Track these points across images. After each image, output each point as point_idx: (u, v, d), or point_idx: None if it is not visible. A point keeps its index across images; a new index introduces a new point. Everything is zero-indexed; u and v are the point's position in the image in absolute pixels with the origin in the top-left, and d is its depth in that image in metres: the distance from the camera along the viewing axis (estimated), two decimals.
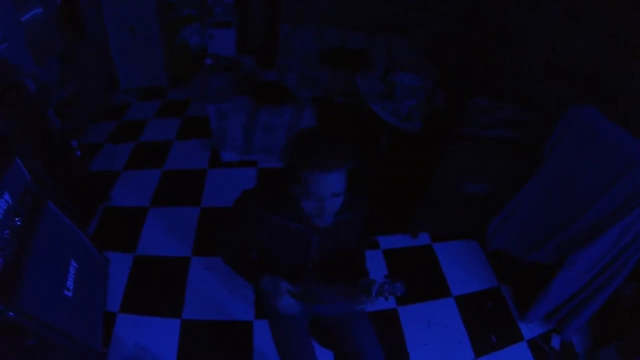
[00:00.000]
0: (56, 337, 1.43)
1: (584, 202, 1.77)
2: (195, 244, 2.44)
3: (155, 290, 2.17)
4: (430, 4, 3.40)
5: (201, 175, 3.00)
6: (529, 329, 2.10)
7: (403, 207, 2.64)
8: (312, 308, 1.44)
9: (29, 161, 1.61)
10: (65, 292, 1.61)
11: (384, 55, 3.50)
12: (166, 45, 3.77)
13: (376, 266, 2.39)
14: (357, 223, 1.30)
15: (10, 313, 1.23)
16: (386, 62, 3.27)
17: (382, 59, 3.43)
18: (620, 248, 1.61)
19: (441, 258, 2.51)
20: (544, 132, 1.94)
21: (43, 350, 1.46)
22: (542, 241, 1.99)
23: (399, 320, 2.12)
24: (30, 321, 1.31)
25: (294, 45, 3.58)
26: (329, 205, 1.04)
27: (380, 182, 2.78)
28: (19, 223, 1.46)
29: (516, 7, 2.44)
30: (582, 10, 2.07)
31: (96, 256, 2.07)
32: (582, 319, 1.90)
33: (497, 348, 2.00)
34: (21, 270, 1.36)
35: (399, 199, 2.75)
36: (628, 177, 1.56)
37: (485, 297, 2.28)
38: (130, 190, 2.81)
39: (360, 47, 3.59)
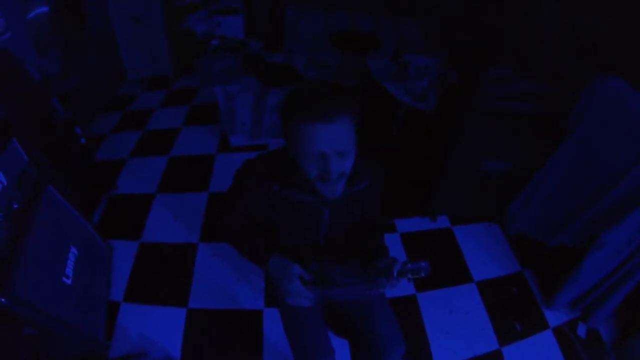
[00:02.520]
0: (54, 326, 1.37)
1: (612, 178, 1.62)
2: (202, 230, 2.36)
3: (160, 278, 2.10)
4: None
5: (209, 160, 2.92)
6: (554, 317, 1.97)
7: (421, 189, 2.51)
8: (327, 293, 1.33)
9: (30, 146, 1.55)
10: (64, 279, 1.55)
11: (394, 37, 3.37)
12: (171, 34, 3.69)
13: (394, 250, 2.20)
14: (374, 194, 1.16)
15: (3, 299, 1.16)
16: (396, 44, 3.14)
17: (391, 41, 3.30)
18: None
19: (461, 242, 2.38)
20: (564, 105, 1.78)
21: (43, 341, 1.40)
22: (567, 222, 1.84)
23: (418, 307, 2.01)
24: (25, 308, 1.24)
25: (301, 29, 3.48)
26: (335, 167, 0.89)
27: (397, 163, 2.66)
28: (15, 206, 1.39)
29: None
30: None
31: (99, 244, 2.00)
32: (610, 307, 1.77)
33: (522, 336, 1.88)
34: (16, 255, 1.29)
35: (416, 180, 2.63)
36: None
37: (508, 282, 2.15)
38: (136, 177, 2.75)
39: (369, 30, 3.46)
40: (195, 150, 3.04)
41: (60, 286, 1.50)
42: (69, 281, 1.56)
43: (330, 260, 1.18)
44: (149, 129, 3.31)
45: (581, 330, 1.90)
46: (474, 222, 2.50)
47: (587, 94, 1.70)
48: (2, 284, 1.17)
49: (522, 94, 1.83)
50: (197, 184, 2.69)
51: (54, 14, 2.46)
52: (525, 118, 1.88)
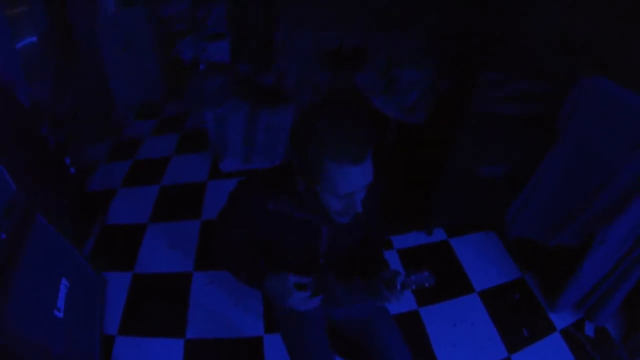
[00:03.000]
0: None
1: (606, 175, 1.64)
2: (197, 259, 2.31)
3: (156, 309, 2.03)
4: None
5: (201, 188, 2.90)
6: (560, 319, 1.95)
7: (415, 203, 2.51)
8: (329, 311, 1.30)
9: (18, 175, 1.51)
10: (56, 312, 1.48)
11: (383, 52, 3.45)
12: (160, 61, 3.74)
13: (392, 267, 2.25)
14: (374, 209, 1.15)
15: None
16: (386, 59, 3.21)
17: (381, 55, 3.38)
18: None
19: (459, 253, 2.37)
20: (558, 105, 1.84)
21: None
22: (566, 222, 1.85)
23: (422, 322, 1.97)
24: (15, 342, 1.18)
25: (290, 49, 3.54)
26: (359, 199, 0.91)
27: (390, 178, 2.67)
28: (3, 236, 1.35)
29: None
30: None
31: (92, 276, 1.94)
32: (614, 303, 1.76)
33: (529, 342, 1.85)
34: (5, 287, 1.24)
35: (410, 195, 2.63)
36: None
37: (511, 289, 2.13)
38: (127, 207, 2.71)
39: (358, 47, 3.54)
40: (186, 178, 3.01)
41: (51, 319, 1.44)
42: (60, 314, 1.50)
43: (330, 276, 1.15)
44: (139, 158, 3.29)
45: (589, 330, 1.89)
46: (470, 232, 2.49)
47: (574, 95, 1.75)
48: None
49: (516, 96, 1.87)
50: (190, 212, 2.65)
51: (44, 42, 2.48)
52: (521, 120, 1.91)
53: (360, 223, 1.15)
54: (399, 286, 0.97)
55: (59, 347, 1.39)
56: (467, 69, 2.13)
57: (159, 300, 2.08)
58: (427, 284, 0.95)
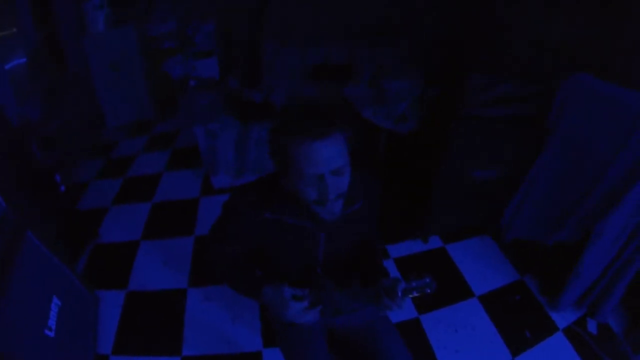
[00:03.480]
0: None
1: (599, 169, 1.67)
2: (191, 275, 2.26)
3: (150, 327, 1.97)
4: (416, 12, 3.44)
5: (193, 205, 2.86)
6: (562, 318, 1.94)
7: (410, 212, 2.51)
8: (329, 321, 1.27)
9: (8, 192, 1.49)
10: (47, 331, 1.43)
11: (370, 65, 3.51)
12: (150, 78, 3.75)
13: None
14: (370, 214, 1.15)
15: None
16: (373, 71, 3.27)
17: (368, 69, 3.44)
18: None
19: (456, 259, 2.36)
20: (545, 105, 1.88)
21: None
22: (562, 219, 1.86)
23: (422, 330, 1.94)
24: None
25: (278, 66, 3.58)
26: (332, 186, 0.88)
27: (383, 188, 2.68)
28: None
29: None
30: None
31: (84, 294, 1.88)
32: (615, 297, 1.76)
33: (533, 343, 1.83)
34: None
35: (404, 203, 2.64)
36: (639, 132, 1.47)
37: (510, 291, 2.12)
38: (119, 225, 2.66)
39: (344, 61, 3.61)
40: (178, 195, 2.98)
41: (42, 339, 1.39)
42: (51, 333, 1.45)
43: (329, 286, 1.13)
44: (130, 176, 3.25)
45: (591, 326, 1.88)
46: (466, 238, 2.49)
47: (562, 92, 1.79)
48: None
49: (503, 98, 1.91)
50: (182, 229, 2.62)
51: (33, 62, 2.48)
52: (511, 122, 1.94)
53: (358, 231, 1.15)
54: (400, 293, 0.95)
55: None
56: (455, 74, 2.18)
57: (153, 318, 2.02)
58: (428, 290, 0.93)
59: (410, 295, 0.95)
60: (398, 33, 3.43)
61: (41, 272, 1.57)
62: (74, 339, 1.61)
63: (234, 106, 2.96)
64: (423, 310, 2.03)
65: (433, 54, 3.03)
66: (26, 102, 2.27)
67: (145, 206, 2.85)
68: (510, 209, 2.18)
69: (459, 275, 2.25)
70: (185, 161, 3.38)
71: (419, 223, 2.45)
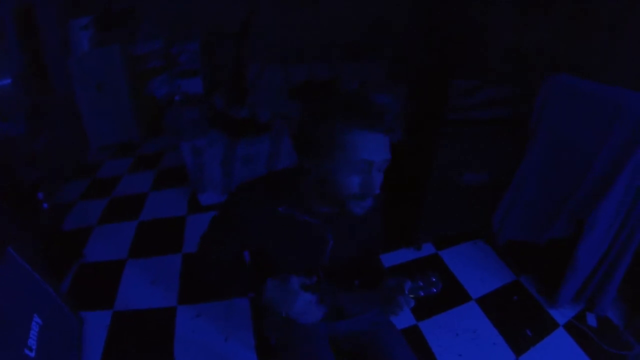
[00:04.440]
0: None
1: (585, 162, 1.71)
2: (180, 292, 2.17)
3: (138, 347, 1.85)
4: (390, 29, 3.57)
5: (180, 222, 2.79)
6: (561, 314, 1.94)
7: (402, 220, 2.51)
8: (330, 327, 1.22)
9: None
10: (27, 351, 1.34)
11: (351, 82, 3.59)
12: (135, 99, 3.72)
13: None
14: (374, 215, 1.11)
15: None
16: (356, 87, 3.34)
17: (349, 85, 3.52)
18: (632, 195, 1.54)
19: (450, 264, 2.35)
20: (527, 107, 1.94)
21: None
22: (554, 216, 1.88)
23: (423, 337, 1.89)
24: None
25: (263, 84, 3.62)
26: (377, 178, 0.86)
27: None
28: None
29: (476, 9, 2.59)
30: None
31: (68, 314, 1.77)
32: (612, 289, 1.77)
33: (535, 341, 1.81)
34: None
35: (397, 211, 2.63)
36: (619, 122, 1.53)
37: (507, 292, 2.11)
38: (105, 244, 2.55)
39: (327, 78, 3.68)
40: (165, 214, 2.90)
41: (22, 358, 1.28)
42: (32, 354, 1.35)
43: (332, 288, 1.08)
44: (116, 195, 3.17)
45: (591, 320, 1.88)
46: (459, 243, 2.49)
47: (542, 93, 1.85)
48: None
49: (487, 101, 1.97)
50: (170, 247, 2.53)
51: (18, 82, 2.44)
52: (496, 125, 2.00)
53: (365, 230, 1.11)
54: (406, 292, 0.92)
55: None
56: (438, 81, 2.23)
57: (142, 338, 1.91)
58: (434, 290, 0.91)
59: (417, 295, 0.92)
60: (380, 49, 3.55)
61: (22, 289, 1.48)
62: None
63: (219, 122, 2.96)
64: (421, 317, 1.99)
65: (416, 66, 3.13)
66: (10, 119, 2.22)
67: (131, 225, 2.76)
68: (501, 211, 2.20)
69: (455, 280, 2.23)
70: (171, 181, 3.32)
71: (412, 230, 2.44)
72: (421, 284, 0.91)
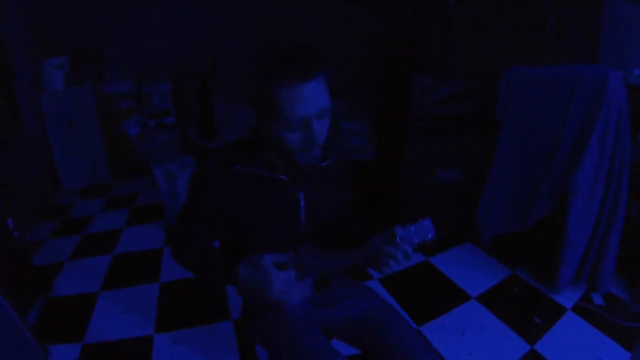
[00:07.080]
0: None
1: (554, 138, 1.79)
2: (157, 320, 1.98)
3: None
4: (344, 50, 3.74)
5: (157, 254, 2.61)
6: (566, 298, 1.91)
7: (383, 227, 2.47)
8: (321, 314, 1.10)
9: None
10: None
11: None
12: (107, 140, 3.64)
13: (379, 295, 2.09)
14: (345, 175, 1.13)
15: None
16: None
17: None
18: (609, 154, 1.60)
19: (443, 269, 2.29)
20: (490, 101, 2.03)
21: None
22: (534, 199, 1.91)
23: (427, 339, 1.77)
24: None
25: (232, 120, 3.69)
26: (317, 129, 0.85)
27: (357, 211, 2.66)
28: None
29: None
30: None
31: (32, 346, 1.56)
32: (610, 261, 1.76)
33: (547, 328, 1.74)
34: None
35: (379, 222, 2.59)
36: (579, 93, 1.64)
37: (507, 286, 2.06)
38: (76, 278, 2.35)
39: None
40: (140, 247, 2.73)
41: None
42: None
43: (314, 251, 0.96)
44: (89, 232, 2.98)
45: (597, 300, 1.85)
46: (448, 248, 2.46)
47: (503, 83, 1.97)
48: None
49: (451, 96, 2.05)
50: (146, 277, 2.35)
51: None
52: (462, 118, 2.07)
53: (334, 190, 1.08)
54: (398, 240, 0.84)
55: None
56: (404, 78, 2.31)
57: None
58: (430, 236, 0.85)
59: (412, 244, 0.85)
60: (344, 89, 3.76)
61: None
62: None
63: (191, 148, 2.95)
64: (422, 321, 1.88)
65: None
66: None
67: (105, 259, 2.56)
68: (482, 207, 2.20)
69: (450, 282, 2.17)
70: (146, 217, 3.17)
71: None
72: (413, 229, 0.84)
